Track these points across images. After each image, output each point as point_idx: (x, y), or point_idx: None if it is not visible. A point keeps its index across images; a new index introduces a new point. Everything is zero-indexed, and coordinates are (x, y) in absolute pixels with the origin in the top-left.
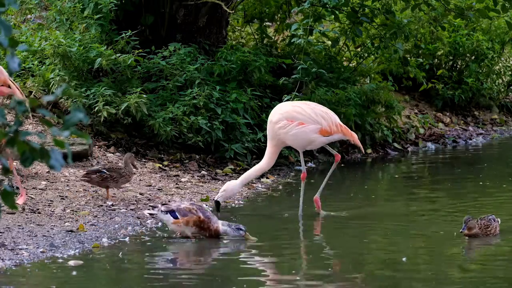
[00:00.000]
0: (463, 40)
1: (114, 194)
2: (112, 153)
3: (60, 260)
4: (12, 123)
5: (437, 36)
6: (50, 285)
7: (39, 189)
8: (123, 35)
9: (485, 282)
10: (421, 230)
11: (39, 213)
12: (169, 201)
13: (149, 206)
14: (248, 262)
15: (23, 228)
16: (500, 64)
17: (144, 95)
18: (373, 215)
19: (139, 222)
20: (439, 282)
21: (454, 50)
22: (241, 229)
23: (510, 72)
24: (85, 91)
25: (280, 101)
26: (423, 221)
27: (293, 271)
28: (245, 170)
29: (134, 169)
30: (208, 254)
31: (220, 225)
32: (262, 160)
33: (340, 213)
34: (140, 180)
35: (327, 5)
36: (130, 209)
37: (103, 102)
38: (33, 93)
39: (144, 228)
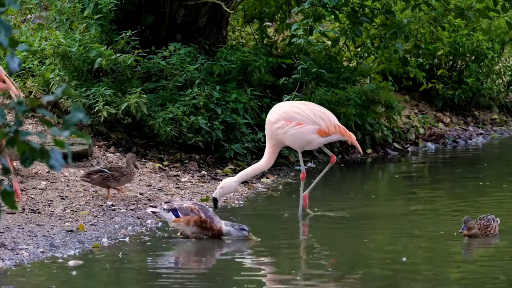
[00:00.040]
0: (463, 40)
1: (114, 194)
2: (112, 153)
3: (60, 260)
4: (12, 123)
5: (437, 36)
6: (50, 285)
7: (39, 189)
8: (123, 35)
9: (485, 282)
10: (421, 230)
11: (39, 213)
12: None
13: (149, 206)
14: (248, 262)
15: (23, 228)
16: (500, 64)
17: (144, 95)
18: (373, 215)
19: (139, 222)
20: (439, 282)
21: (454, 50)
22: (244, 230)
23: (510, 72)
24: (85, 91)
25: (280, 101)
26: (423, 221)
27: (293, 271)
28: None
29: (136, 169)
30: (208, 254)
31: (223, 225)
32: (261, 159)
33: (336, 213)
34: (140, 180)
35: (327, 5)
36: (130, 209)
37: (103, 102)
38: (33, 93)
39: (144, 228)
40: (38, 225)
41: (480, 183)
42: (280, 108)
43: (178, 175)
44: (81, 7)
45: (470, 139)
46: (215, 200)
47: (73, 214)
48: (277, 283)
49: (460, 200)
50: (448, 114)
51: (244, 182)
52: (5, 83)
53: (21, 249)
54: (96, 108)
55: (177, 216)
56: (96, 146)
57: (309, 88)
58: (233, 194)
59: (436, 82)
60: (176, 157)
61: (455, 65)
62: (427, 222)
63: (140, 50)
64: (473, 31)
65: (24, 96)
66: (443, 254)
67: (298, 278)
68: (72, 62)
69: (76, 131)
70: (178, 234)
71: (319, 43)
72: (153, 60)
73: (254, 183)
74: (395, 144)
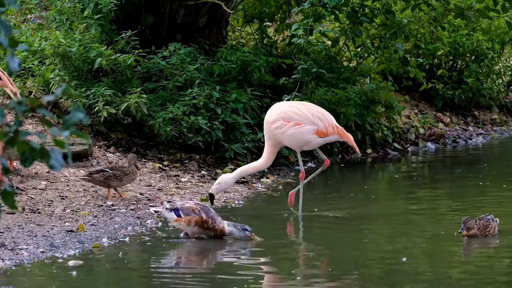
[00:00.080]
0: (463, 40)
1: (114, 194)
2: (112, 153)
3: (60, 260)
4: (12, 123)
5: (437, 36)
6: (50, 285)
7: (39, 189)
8: (123, 35)
9: (485, 282)
10: (421, 230)
11: (39, 213)
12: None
13: (149, 206)
14: (248, 262)
15: (23, 228)
16: (500, 64)
17: (144, 95)
18: (373, 215)
19: (139, 222)
20: (439, 282)
21: (454, 50)
22: (247, 230)
23: (510, 72)
24: (85, 91)
25: (280, 101)
26: (423, 221)
27: (293, 271)
28: None
29: (137, 170)
30: (209, 254)
31: (226, 225)
32: (260, 158)
33: (336, 213)
34: (140, 180)
35: (327, 5)
36: (130, 209)
37: (103, 102)
38: (33, 93)
39: (144, 228)
40: (38, 225)
41: (480, 183)
42: (278, 108)
43: (178, 175)
44: (81, 7)
45: (470, 139)
46: (211, 196)
47: (73, 214)
48: (277, 283)
49: (460, 200)
50: (448, 114)
51: (244, 182)
52: (1, 79)
53: (21, 249)
54: (96, 108)
55: (178, 216)
56: (96, 146)
57: (309, 88)
58: (233, 194)
59: (436, 82)
60: (176, 157)
61: (455, 65)
62: (427, 222)
63: (140, 50)
64: (473, 31)
65: (20, 92)
66: (442, 254)
67: (298, 278)
68: (72, 62)
69: (76, 131)
70: (181, 234)
71: (319, 43)
72: (153, 60)
73: (254, 183)
74: (395, 144)
